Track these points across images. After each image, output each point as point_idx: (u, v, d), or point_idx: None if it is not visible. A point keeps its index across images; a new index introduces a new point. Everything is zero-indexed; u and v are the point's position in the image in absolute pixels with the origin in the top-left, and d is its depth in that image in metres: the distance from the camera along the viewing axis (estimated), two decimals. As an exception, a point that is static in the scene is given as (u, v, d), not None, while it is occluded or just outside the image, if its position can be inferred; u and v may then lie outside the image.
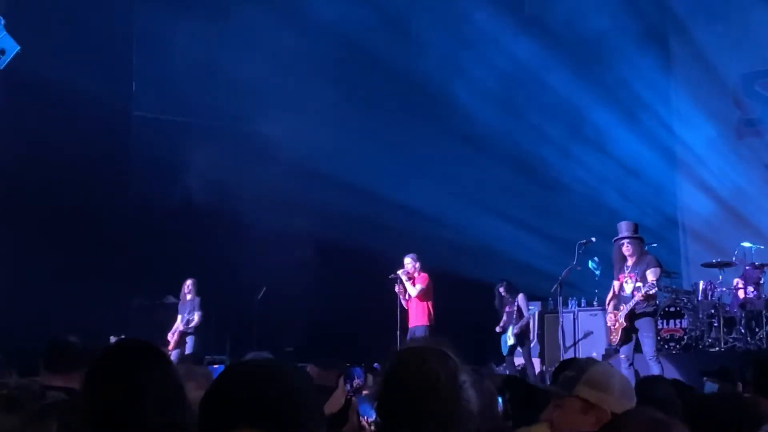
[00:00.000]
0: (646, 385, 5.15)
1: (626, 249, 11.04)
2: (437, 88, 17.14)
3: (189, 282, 14.29)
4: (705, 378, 7.92)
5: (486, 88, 16.95)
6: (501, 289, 14.06)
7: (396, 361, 2.69)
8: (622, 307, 10.92)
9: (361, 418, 4.19)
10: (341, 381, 4.40)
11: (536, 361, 14.61)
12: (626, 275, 11.04)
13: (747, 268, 13.51)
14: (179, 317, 14.20)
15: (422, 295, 13.28)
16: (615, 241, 11.26)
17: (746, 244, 13.99)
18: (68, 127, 14.61)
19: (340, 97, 16.84)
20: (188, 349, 13.72)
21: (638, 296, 10.70)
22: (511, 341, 13.97)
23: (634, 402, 3.46)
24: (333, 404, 4.37)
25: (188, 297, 14.22)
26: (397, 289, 13.39)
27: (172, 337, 13.97)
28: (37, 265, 14.27)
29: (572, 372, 3.68)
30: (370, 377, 6.43)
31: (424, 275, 13.37)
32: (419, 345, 2.78)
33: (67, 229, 14.87)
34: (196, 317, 13.96)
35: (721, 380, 7.20)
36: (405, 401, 2.58)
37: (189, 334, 13.98)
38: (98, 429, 2.66)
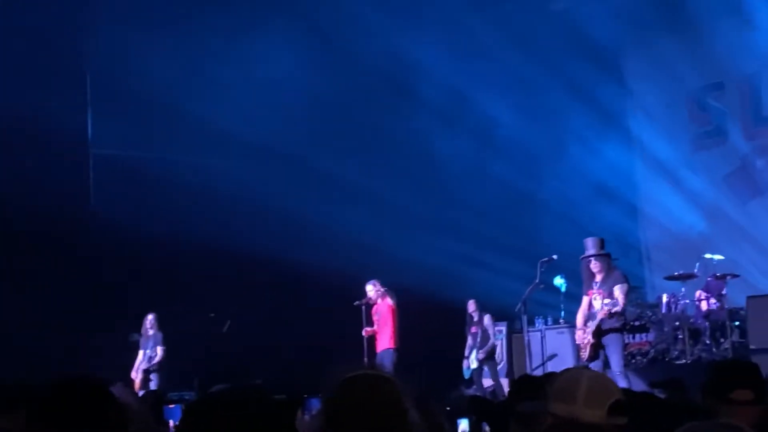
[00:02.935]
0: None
1: (594, 266, 11.16)
2: (395, 113, 17.22)
3: (151, 317, 14.04)
4: (654, 389, 8.06)
5: (443, 106, 17.05)
6: (469, 305, 14.11)
7: (337, 390, 2.69)
8: (589, 324, 11.00)
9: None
10: (300, 412, 4.40)
11: (504, 382, 14.61)
12: (595, 291, 11.14)
13: (709, 279, 13.64)
14: (140, 353, 13.99)
15: (388, 318, 13.30)
16: (582, 258, 11.35)
17: (707, 256, 14.12)
18: (25, 166, 14.54)
19: (301, 117, 16.82)
20: (153, 387, 13.49)
21: (601, 314, 10.79)
22: (474, 365, 13.98)
23: (603, 409, 3.40)
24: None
25: (150, 332, 13.98)
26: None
27: (136, 375, 13.73)
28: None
29: (548, 387, 3.65)
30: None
31: (389, 298, 13.41)
32: (358, 372, 2.78)
33: (29, 269, 14.74)
34: (159, 352, 13.73)
35: (669, 390, 7.31)
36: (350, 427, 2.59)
37: (153, 371, 13.76)
38: None
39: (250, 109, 16.20)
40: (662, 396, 7.13)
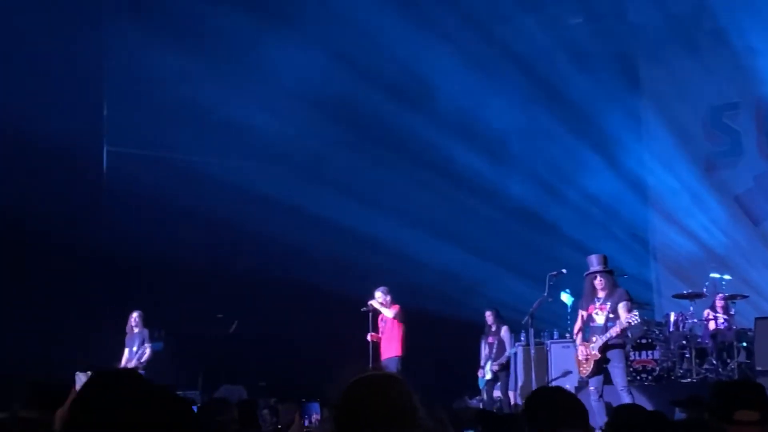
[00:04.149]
0: (620, 413, 5.22)
1: (599, 283, 11.16)
2: (413, 125, 17.25)
3: (135, 314, 13.98)
4: (675, 407, 8.00)
5: (460, 118, 17.09)
6: (487, 314, 14.08)
7: (345, 394, 2.70)
8: (594, 339, 11.00)
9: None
10: (297, 416, 4.41)
11: (511, 394, 14.59)
12: (597, 307, 11.15)
13: (717, 298, 13.60)
14: (126, 350, 13.93)
15: (396, 323, 13.30)
16: (587, 275, 11.35)
17: (716, 275, 14.10)
18: (40, 163, 14.59)
19: (317, 133, 16.92)
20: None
21: (617, 329, 10.81)
22: (488, 376, 13.96)
23: None
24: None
25: (135, 330, 13.92)
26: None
27: None
28: (9, 301, 14.15)
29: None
30: (326, 411, 6.44)
31: (396, 306, 13.41)
32: (366, 374, 2.79)
33: (42, 267, 14.77)
34: (148, 351, 13.75)
35: (690, 409, 7.25)
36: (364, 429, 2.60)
37: (142, 369, 13.70)
38: None
39: (268, 115, 16.28)
40: (682, 414, 7.09)
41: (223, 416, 6.03)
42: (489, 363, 13.95)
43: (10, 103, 13.62)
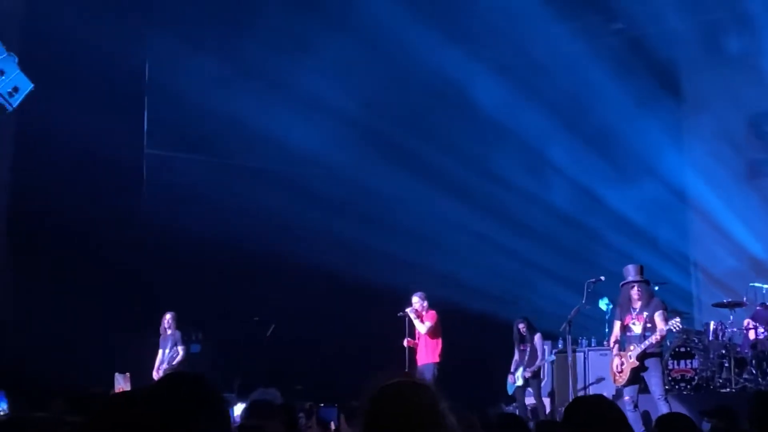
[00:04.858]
0: (667, 422, 5.21)
1: (635, 293, 11.15)
2: (457, 131, 17.28)
3: (169, 316, 14.04)
4: (703, 416, 7.97)
5: (499, 125, 17.08)
6: (520, 326, 14.02)
7: (374, 399, 2.70)
8: (632, 347, 10.97)
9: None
10: (314, 420, 4.41)
11: (546, 401, 14.52)
12: (633, 317, 11.13)
13: (758, 308, 13.47)
14: (160, 352, 13.98)
15: (431, 333, 13.26)
16: (624, 284, 11.31)
17: (756, 285, 13.97)
18: (80, 166, 14.73)
19: (354, 131, 16.94)
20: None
21: (656, 336, 10.78)
22: (519, 382, 13.89)
23: None
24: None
25: (168, 331, 13.99)
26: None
27: (157, 375, 13.74)
28: (47, 303, 14.30)
29: None
30: (343, 417, 6.39)
31: (433, 313, 13.36)
32: (395, 381, 2.78)
33: (80, 268, 14.90)
34: (180, 352, 13.82)
35: (717, 418, 7.22)
36: None
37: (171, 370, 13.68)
38: None
39: (305, 120, 16.34)
40: (708, 424, 7.05)
41: (273, 420, 6.03)
42: (520, 369, 13.89)
43: (52, 106, 13.76)
